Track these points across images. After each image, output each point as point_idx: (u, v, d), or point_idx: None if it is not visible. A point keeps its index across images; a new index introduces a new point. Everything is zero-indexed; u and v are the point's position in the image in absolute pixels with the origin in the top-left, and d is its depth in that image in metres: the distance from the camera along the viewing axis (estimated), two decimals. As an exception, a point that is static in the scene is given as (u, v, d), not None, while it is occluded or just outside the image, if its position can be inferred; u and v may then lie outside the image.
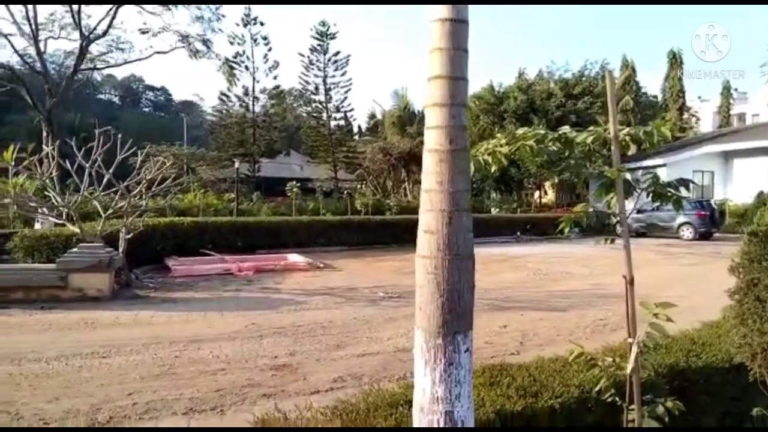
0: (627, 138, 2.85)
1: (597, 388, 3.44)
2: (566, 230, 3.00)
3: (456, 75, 2.09)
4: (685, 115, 47.36)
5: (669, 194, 3.02)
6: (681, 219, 22.64)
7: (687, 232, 22.72)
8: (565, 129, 2.87)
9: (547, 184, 36.94)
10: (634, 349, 3.11)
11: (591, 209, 3.01)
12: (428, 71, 2.14)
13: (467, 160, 2.16)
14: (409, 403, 3.29)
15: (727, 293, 3.84)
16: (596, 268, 14.69)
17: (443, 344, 2.16)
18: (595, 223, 3.25)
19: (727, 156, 29.87)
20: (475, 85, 35.45)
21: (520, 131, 2.90)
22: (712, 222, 23.04)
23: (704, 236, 22.58)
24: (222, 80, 36.40)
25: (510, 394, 3.38)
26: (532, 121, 30.47)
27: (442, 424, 2.20)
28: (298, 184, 24.09)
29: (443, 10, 2.05)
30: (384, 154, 33.13)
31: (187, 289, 11.05)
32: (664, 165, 27.62)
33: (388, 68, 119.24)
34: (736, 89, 56.80)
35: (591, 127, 3.14)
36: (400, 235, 19.92)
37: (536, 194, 36.27)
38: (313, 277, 12.79)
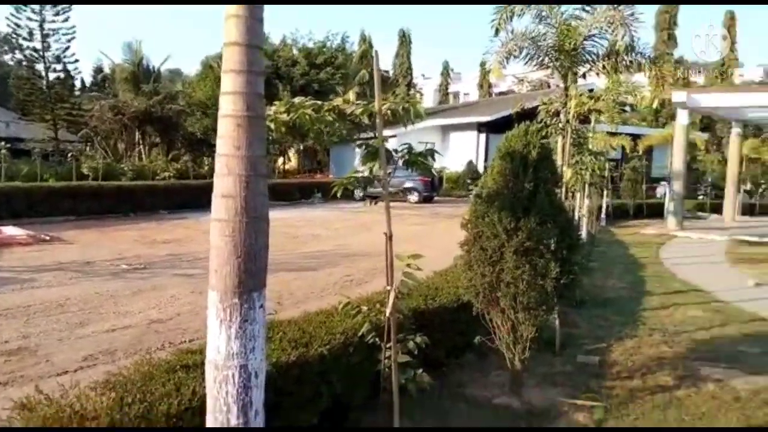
0: (389, 112, 3.22)
1: (360, 333, 3.88)
2: (338, 194, 3.29)
3: (253, 43, 2.15)
4: (412, 91, 52.58)
5: (420, 162, 3.52)
6: (408, 184, 25.38)
7: (413, 196, 25.59)
8: (338, 101, 3.12)
9: (291, 151, 37.78)
10: (392, 294, 3.58)
11: (358, 174, 3.34)
12: (225, 37, 2.16)
13: (264, 127, 2.26)
14: (186, 367, 3.30)
15: (459, 244, 4.60)
16: (339, 230, 15.77)
17: (239, 302, 2.26)
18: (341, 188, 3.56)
19: (445, 129, 34.22)
20: (220, 44, 34.19)
21: (297, 100, 3.07)
22: (433, 187, 26.34)
23: (427, 199, 25.73)
24: None
25: (284, 347, 3.61)
26: (276, 86, 30.68)
27: (237, 378, 2.32)
28: (8, 145, 20.50)
29: (240, -19, 2.10)
30: (115, 113, 29.97)
31: None
32: (394, 136, 30.39)
33: (119, 18, 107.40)
34: (452, 69, 64.92)
35: (331, 96, 3.46)
36: (138, 202, 18.56)
37: (280, 161, 36.88)
38: (39, 251, 11.26)
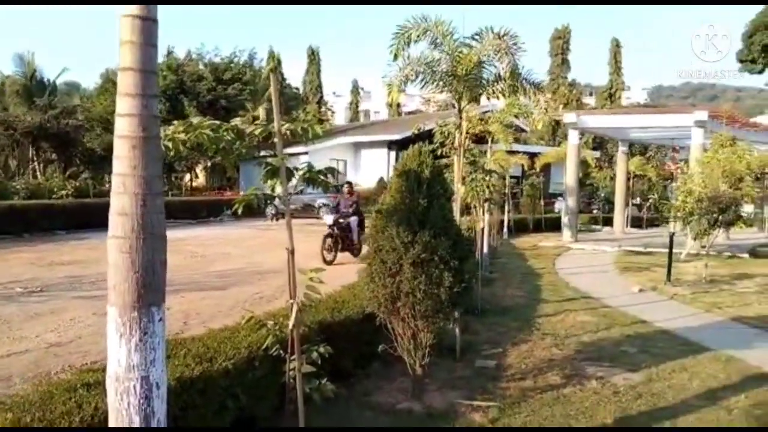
0: (288, 132, 3.39)
1: (264, 346, 3.99)
2: (239, 211, 3.41)
3: (147, 68, 2.26)
4: (323, 108, 52.83)
5: (320, 180, 3.70)
6: (321, 201, 25.49)
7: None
8: (237, 121, 3.26)
9: (199, 168, 36.85)
10: (295, 308, 3.72)
11: (260, 192, 3.48)
12: (120, 62, 2.26)
13: (159, 147, 2.36)
14: (88, 385, 3.28)
15: (361, 258, 4.81)
16: (250, 248, 15.59)
17: (138, 316, 2.34)
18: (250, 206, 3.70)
19: (357, 147, 34.70)
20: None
21: (196, 120, 3.18)
22: (346, 204, 26.61)
23: (339, 216, 25.93)
24: None
25: (188, 363, 3.66)
26: (182, 102, 29.98)
27: (138, 389, 2.38)
28: None
29: (135, 8, 2.20)
30: (5, 128, 28.11)
31: None
32: (306, 153, 30.51)
33: (8, 28, 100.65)
34: (362, 88, 65.91)
35: (240, 113, 3.56)
36: (33, 222, 17.48)
37: (187, 177, 35.87)
38: None
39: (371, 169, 32.69)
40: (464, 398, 4.98)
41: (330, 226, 12.65)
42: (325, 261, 11.68)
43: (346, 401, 4.77)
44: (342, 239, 12.57)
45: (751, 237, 22.11)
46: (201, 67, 33.89)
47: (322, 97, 52.34)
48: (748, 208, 23.08)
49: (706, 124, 18.33)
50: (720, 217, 11.95)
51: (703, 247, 12.34)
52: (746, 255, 16.63)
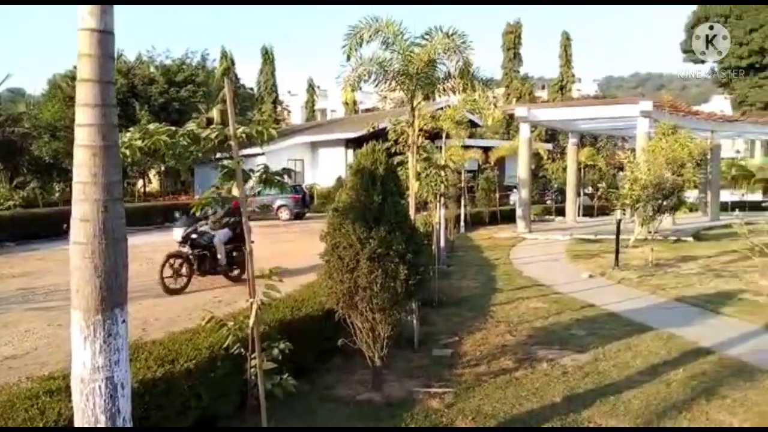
0: (244, 135, 3.51)
1: (225, 345, 4.10)
2: (197, 213, 3.51)
3: (105, 79, 2.36)
4: (279, 108, 52.44)
5: (277, 181, 3.83)
6: (279, 202, 25.43)
7: (284, 214, 25.65)
8: (192, 125, 3.36)
9: (152, 173, 36.15)
10: (254, 306, 3.85)
11: (217, 195, 3.59)
12: (78, 74, 2.35)
13: (118, 154, 2.46)
14: (50, 392, 3.34)
15: (318, 256, 4.96)
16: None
17: (102, 319, 2.44)
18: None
19: (314, 146, 34.67)
20: (67, 63, 31.92)
21: (152, 126, 3.27)
22: (304, 203, 26.58)
23: (298, 216, 25.89)
24: None
25: (150, 365, 3.75)
26: (133, 106, 29.34)
27: (103, 390, 2.48)
28: None
29: (92, 22, 2.30)
30: None
31: None
32: (263, 153, 30.34)
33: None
34: (318, 87, 65.69)
35: (194, 115, 3.63)
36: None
37: (140, 183, 35.14)
38: None
39: (329, 168, 32.74)
40: (422, 386, 5.19)
41: (180, 243, 10.01)
42: (167, 290, 9.30)
43: (308, 395, 4.91)
44: (200, 260, 9.95)
45: (695, 221, 23.14)
46: (152, 69, 33.20)
47: (277, 96, 51.94)
48: (692, 194, 24.14)
49: (650, 113, 19.07)
50: (664, 203, 12.53)
51: (650, 232, 12.92)
52: (690, 238, 17.42)
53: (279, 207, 25.67)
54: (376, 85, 6.87)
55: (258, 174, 3.88)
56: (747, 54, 55.47)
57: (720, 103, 60.35)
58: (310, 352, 5.38)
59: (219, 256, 10.13)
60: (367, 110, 56.89)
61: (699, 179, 21.12)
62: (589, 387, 5.16)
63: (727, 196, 31.48)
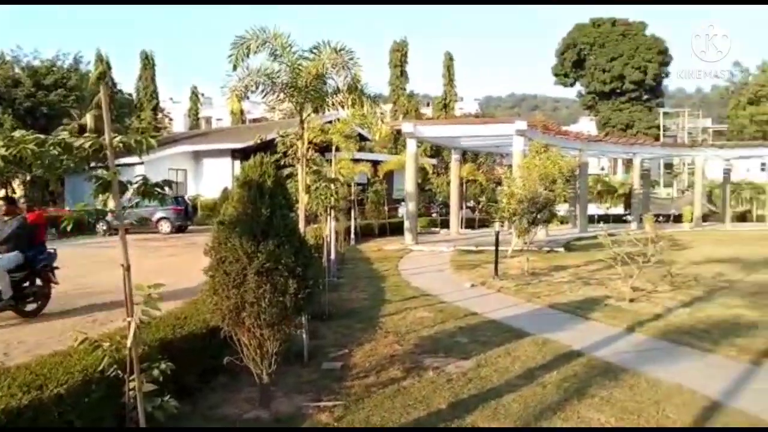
0: (121, 145, 3.32)
1: (100, 368, 3.82)
2: (69, 228, 3.27)
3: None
4: (159, 115, 50.07)
5: (156, 193, 3.65)
6: (159, 214, 24.19)
7: (165, 227, 24.44)
8: (64, 133, 3.13)
9: (16, 182, 33.07)
10: (132, 326, 3.63)
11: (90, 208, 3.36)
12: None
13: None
14: None
15: (203, 271, 4.78)
16: (82, 268, 14.38)
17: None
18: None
19: (198, 155, 33.42)
20: None
21: (18, 134, 3.01)
22: (187, 216, 25.49)
23: (180, 229, 24.79)
24: None
25: (14, 392, 3.42)
26: (-6, 109, 26.79)
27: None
28: None
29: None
30: None
31: None
32: (142, 163, 28.78)
33: None
34: (203, 94, 63.55)
35: (65, 120, 3.39)
36: None
37: (2, 192, 31.99)
38: None
39: (214, 179, 31.72)
40: (311, 401, 5.15)
41: None
42: None
43: (190, 416, 4.70)
44: None
45: (566, 233, 25.00)
46: (17, 70, 30.48)
47: (158, 103, 49.60)
48: (563, 207, 26.06)
49: (525, 132, 20.44)
50: (538, 216, 13.43)
51: (525, 243, 13.77)
52: (562, 249, 18.76)
53: (159, 219, 24.44)
54: (264, 96, 6.79)
55: (136, 185, 3.69)
56: (609, 80, 61.12)
57: (587, 124, 65.86)
58: (192, 372, 5.16)
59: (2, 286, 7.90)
60: (255, 120, 55.92)
61: (569, 194, 22.86)
62: (472, 392, 5.38)
63: (593, 209, 34.40)
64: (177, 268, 13.60)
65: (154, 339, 4.77)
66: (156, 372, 3.88)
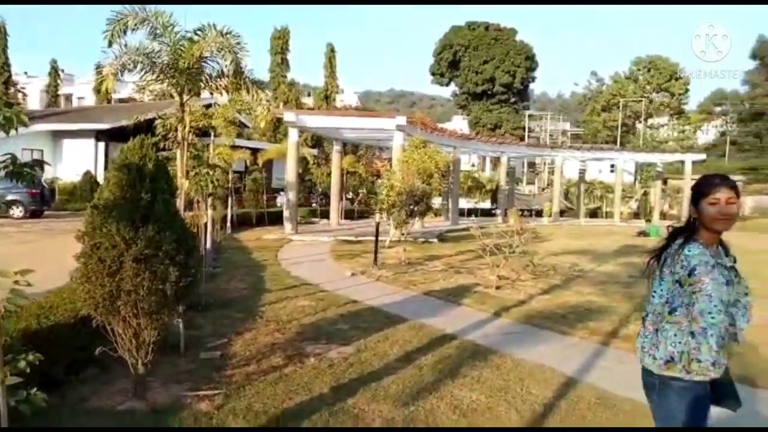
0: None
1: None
2: None
3: None
4: (12, 90, 45.33)
5: (26, 173, 3.41)
6: (11, 197, 22.01)
7: (17, 211, 22.29)
8: None
9: None
10: (-4, 314, 3.37)
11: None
12: None
13: None
14: None
15: (74, 257, 4.51)
16: None
17: None
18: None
19: (57, 135, 30.70)
20: None
21: None
22: (43, 200, 23.38)
23: (35, 214, 22.72)
24: None
25: None
26: None
27: None
28: None
29: None
30: None
31: None
32: (-11, 140, 25.96)
33: None
34: (63, 70, 58.32)
35: None
36: None
37: None
38: None
39: (76, 162, 29.41)
40: (190, 390, 5.05)
41: None
42: None
43: (59, 409, 4.44)
44: None
45: (440, 225, 26.17)
46: None
47: (10, 76, 44.92)
48: (437, 201, 27.19)
49: (405, 128, 21.06)
50: (415, 208, 13.98)
51: (403, 234, 14.28)
52: (436, 240, 19.62)
53: (11, 203, 22.22)
54: (143, 76, 6.47)
55: (2, 165, 3.42)
56: (481, 82, 64.50)
57: (460, 123, 69.00)
58: (60, 363, 4.85)
59: None
60: (122, 100, 52.30)
61: (443, 188, 23.94)
62: (353, 377, 5.55)
63: (464, 203, 36.29)
64: (37, 254, 12.51)
65: (16, 329, 4.44)
66: (23, 363, 3.64)
